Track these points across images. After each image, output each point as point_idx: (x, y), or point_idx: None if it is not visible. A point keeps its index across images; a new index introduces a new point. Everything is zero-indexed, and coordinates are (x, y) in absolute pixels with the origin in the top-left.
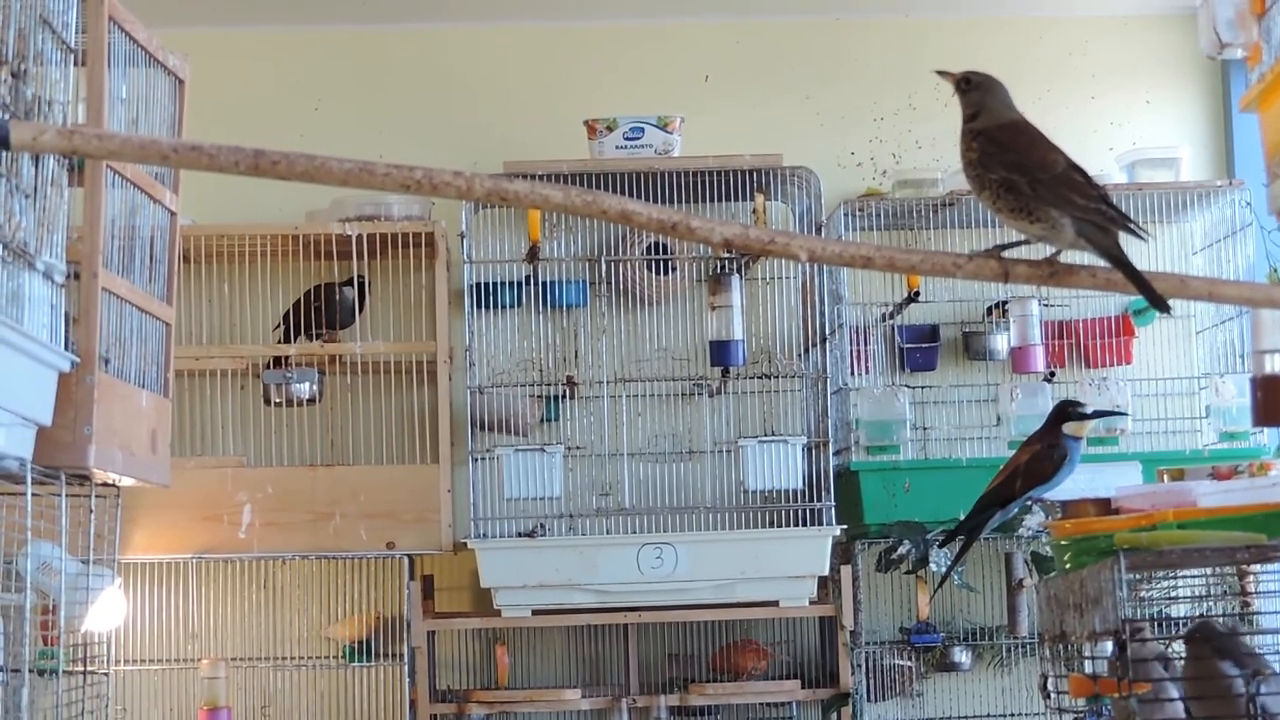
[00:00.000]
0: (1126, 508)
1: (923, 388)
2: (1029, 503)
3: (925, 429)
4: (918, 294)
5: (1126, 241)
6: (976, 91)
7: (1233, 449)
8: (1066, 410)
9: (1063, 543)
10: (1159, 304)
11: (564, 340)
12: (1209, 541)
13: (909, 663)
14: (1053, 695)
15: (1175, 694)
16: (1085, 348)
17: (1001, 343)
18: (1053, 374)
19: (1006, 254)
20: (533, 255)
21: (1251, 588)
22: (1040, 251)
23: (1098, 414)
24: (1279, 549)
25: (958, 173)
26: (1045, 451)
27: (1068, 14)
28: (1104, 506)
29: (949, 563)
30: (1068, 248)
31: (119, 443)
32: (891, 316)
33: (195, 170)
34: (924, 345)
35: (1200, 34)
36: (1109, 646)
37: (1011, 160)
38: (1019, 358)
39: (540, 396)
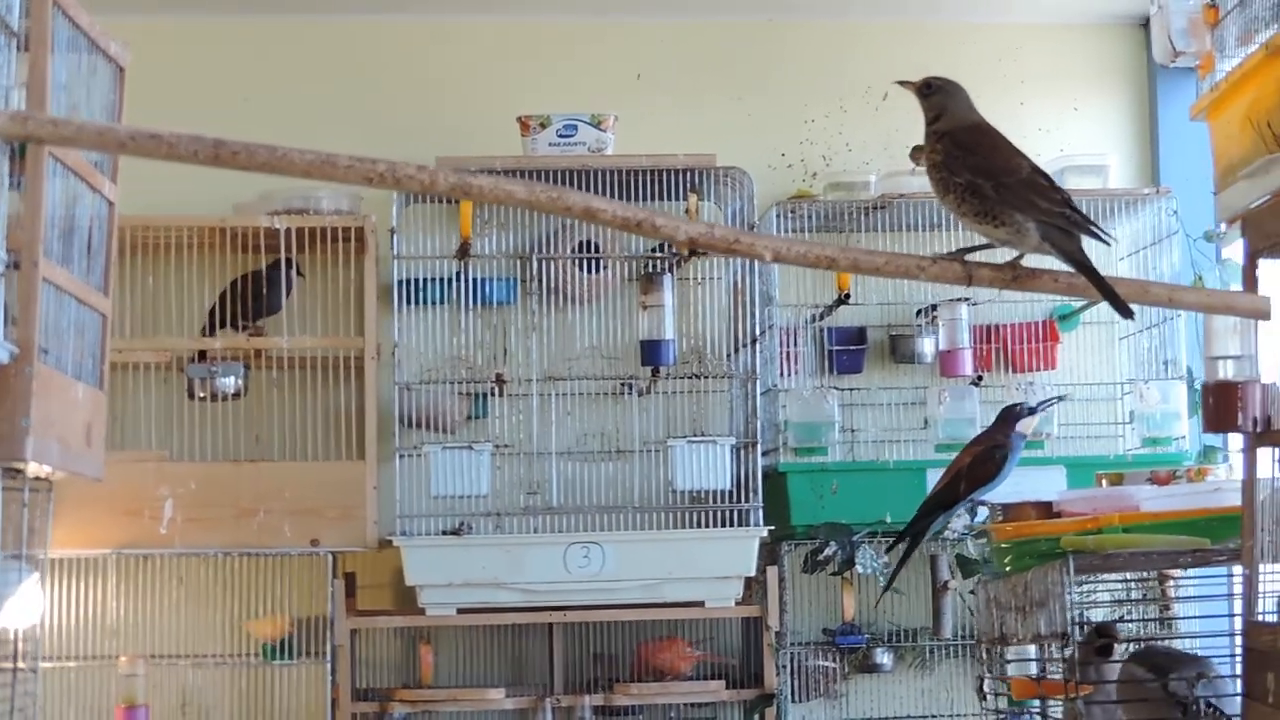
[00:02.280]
0: (1068, 511)
1: (851, 390)
2: (973, 504)
3: (853, 431)
4: (848, 296)
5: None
6: (938, 95)
7: (1156, 454)
8: (1012, 411)
9: (1003, 545)
10: (1122, 309)
11: (494, 338)
12: (1155, 545)
13: (831, 664)
14: (989, 697)
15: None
16: (1011, 352)
17: (928, 346)
18: (980, 378)
19: (970, 257)
20: (464, 252)
21: (1171, 593)
22: (1003, 255)
23: (1042, 404)
24: (1222, 553)
25: (888, 176)
26: (987, 452)
27: (999, 20)
28: (1045, 510)
29: (877, 565)
30: (1031, 251)
31: (56, 435)
32: (821, 318)
33: (153, 159)
34: (851, 348)
35: (1154, 43)
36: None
37: (976, 164)
38: (947, 361)
39: (467, 394)
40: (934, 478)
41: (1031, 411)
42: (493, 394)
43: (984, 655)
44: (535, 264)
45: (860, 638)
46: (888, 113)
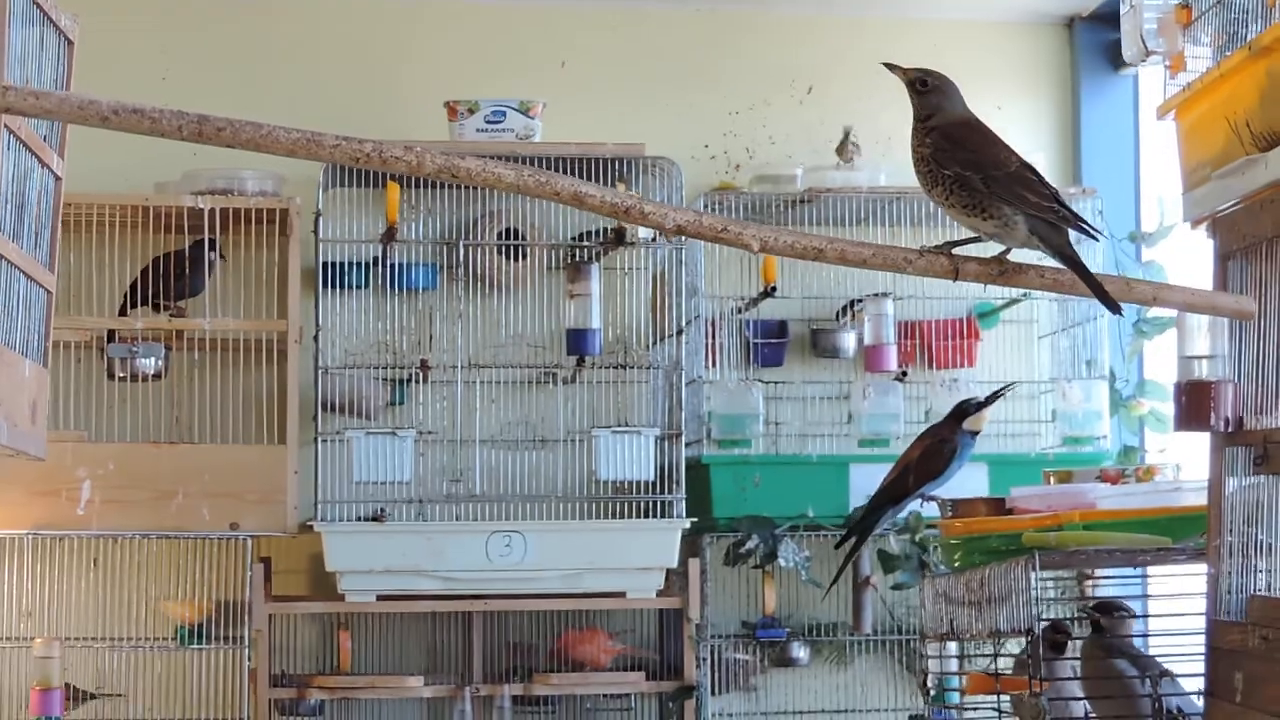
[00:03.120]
0: (1022, 508)
1: (774, 383)
2: (922, 499)
3: (776, 424)
4: (774, 289)
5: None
6: (934, 94)
7: (1077, 453)
8: (963, 407)
9: (953, 541)
10: (1111, 305)
11: (418, 324)
12: (1117, 543)
13: (748, 656)
14: (933, 691)
15: (1079, 693)
16: (931, 348)
17: (850, 341)
18: (905, 373)
19: (958, 251)
20: (389, 236)
21: (1090, 591)
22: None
23: (990, 398)
24: (1183, 552)
25: (813, 170)
26: (936, 446)
27: (925, 16)
28: (995, 506)
29: (799, 558)
30: (1019, 246)
31: (4, 413)
32: (745, 310)
33: (136, 134)
34: (772, 341)
35: (1125, 42)
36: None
37: (965, 157)
38: (872, 356)
39: (389, 380)
40: (857, 472)
41: (980, 406)
42: (416, 380)
43: (931, 650)
44: (461, 250)
45: (780, 631)
46: (812, 106)
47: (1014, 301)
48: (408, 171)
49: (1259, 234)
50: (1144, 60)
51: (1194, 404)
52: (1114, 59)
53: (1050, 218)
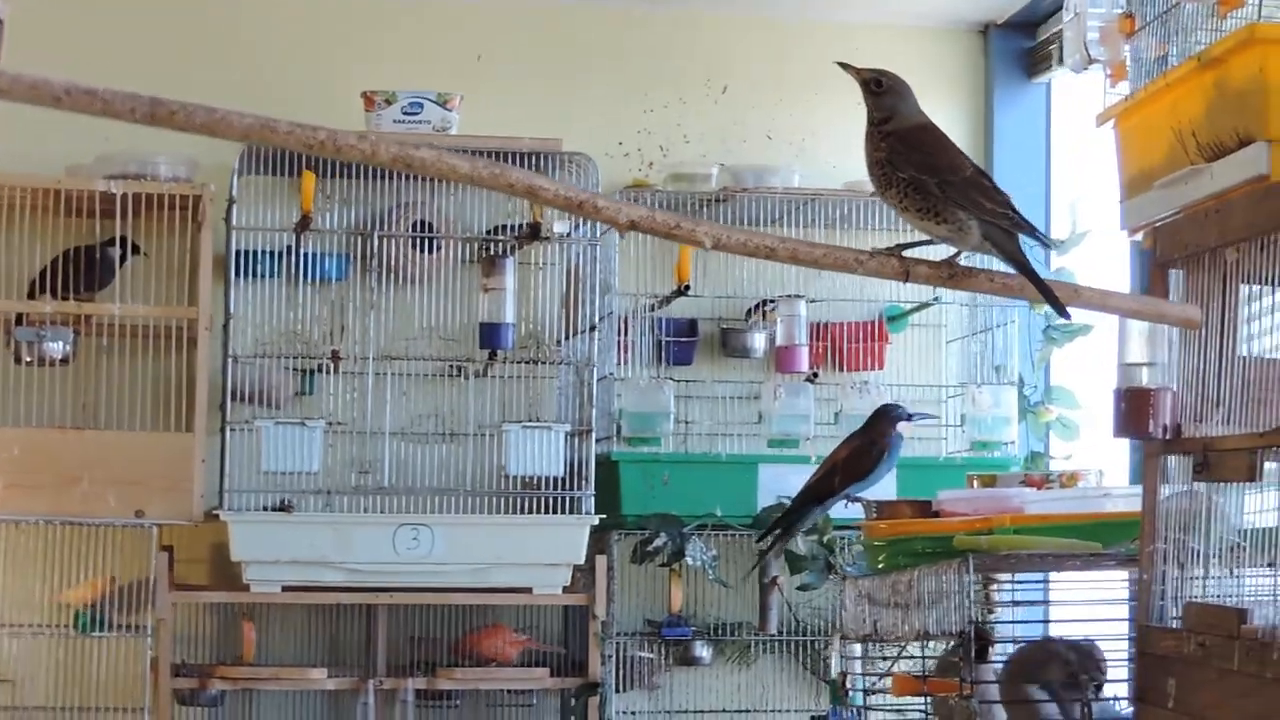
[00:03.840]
0: (949, 511)
1: (685, 381)
2: (848, 500)
3: (687, 423)
4: (688, 287)
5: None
6: (889, 96)
7: (983, 458)
8: (891, 413)
9: (877, 543)
10: (1060, 309)
11: (330, 314)
12: (1049, 547)
13: (651, 655)
14: (851, 692)
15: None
16: (841, 350)
17: (760, 341)
18: (815, 374)
19: (908, 253)
20: (304, 225)
21: (995, 596)
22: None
23: (919, 416)
24: (1113, 558)
25: (728, 169)
26: (865, 447)
27: (839, 18)
28: (920, 508)
29: (707, 557)
30: (971, 250)
31: None
32: (658, 308)
33: (88, 114)
34: (682, 339)
35: (1067, 49)
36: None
37: (920, 161)
38: (783, 357)
39: (299, 370)
40: (766, 472)
41: (908, 418)
42: (327, 371)
43: (852, 651)
44: (374, 241)
45: (686, 630)
46: (726, 106)
47: (923, 305)
48: (361, 160)
49: (1202, 244)
50: (1086, 68)
51: (1133, 411)
52: (1028, 67)
53: (1004, 224)
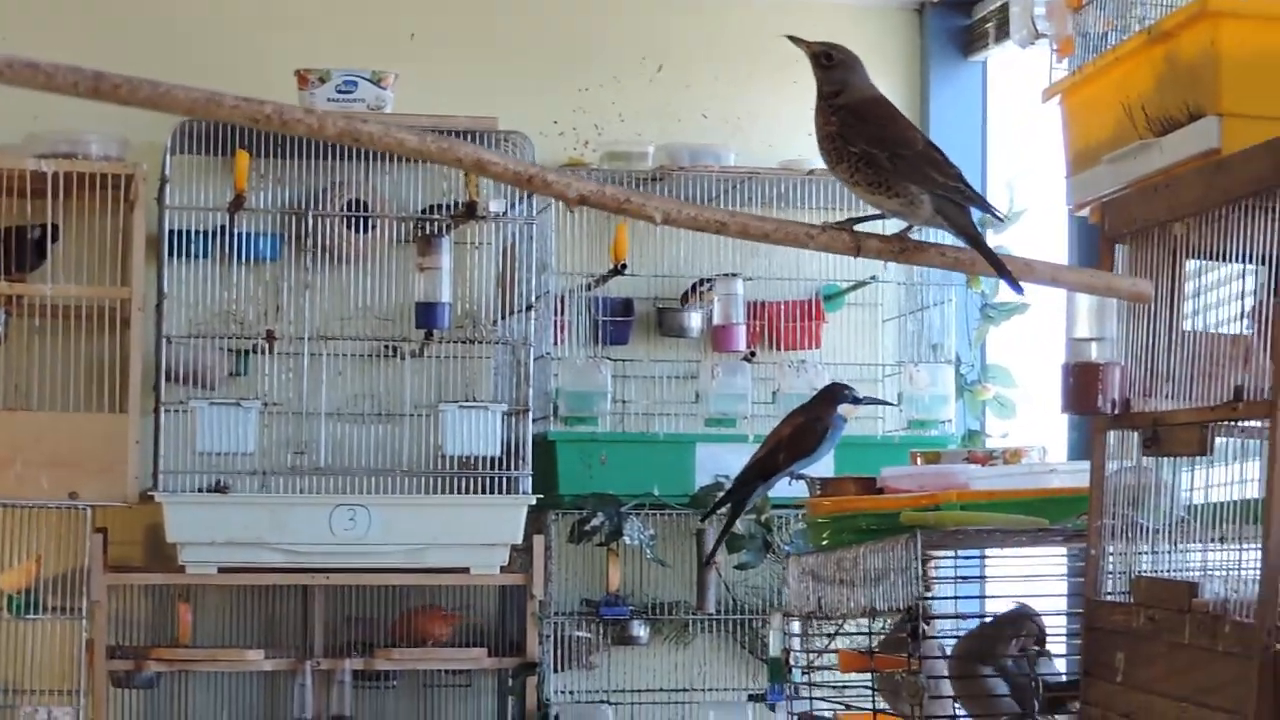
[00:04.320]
0: (893, 488)
1: (622, 361)
2: (791, 477)
3: (623, 403)
4: (624, 266)
5: None
6: (840, 69)
7: (921, 436)
8: (838, 393)
9: (821, 520)
10: (1013, 283)
11: (265, 294)
12: (996, 523)
13: (589, 634)
14: (795, 670)
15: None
16: (778, 330)
17: (696, 320)
18: (753, 354)
19: (859, 227)
20: (237, 205)
21: (933, 572)
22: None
23: (869, 399)
24: (1059, 533)
25: (664, 148)
26: (809, 425)
27: None
28: (865, 485)
29: (644, 536)
30: (922, 224)
31: None
32: (595, 287)
33: (30, 89)
34: (618, 319)
35: (1014, 25)
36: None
37: (872, 134)
38: (720, 336)
39: (233, 350)
40: (703, 452)
41: (856, 401)
42: (262, 351)
43: (795, 628)
44: (308, 221)
45: (623, 609)
46: (662, 84)
47: (860, 284)
48: (308, 134)
49: (1151, 218)
50: (1033, 42)
51: (1081, 386)
52: (964, 45)
53: (956, 197)
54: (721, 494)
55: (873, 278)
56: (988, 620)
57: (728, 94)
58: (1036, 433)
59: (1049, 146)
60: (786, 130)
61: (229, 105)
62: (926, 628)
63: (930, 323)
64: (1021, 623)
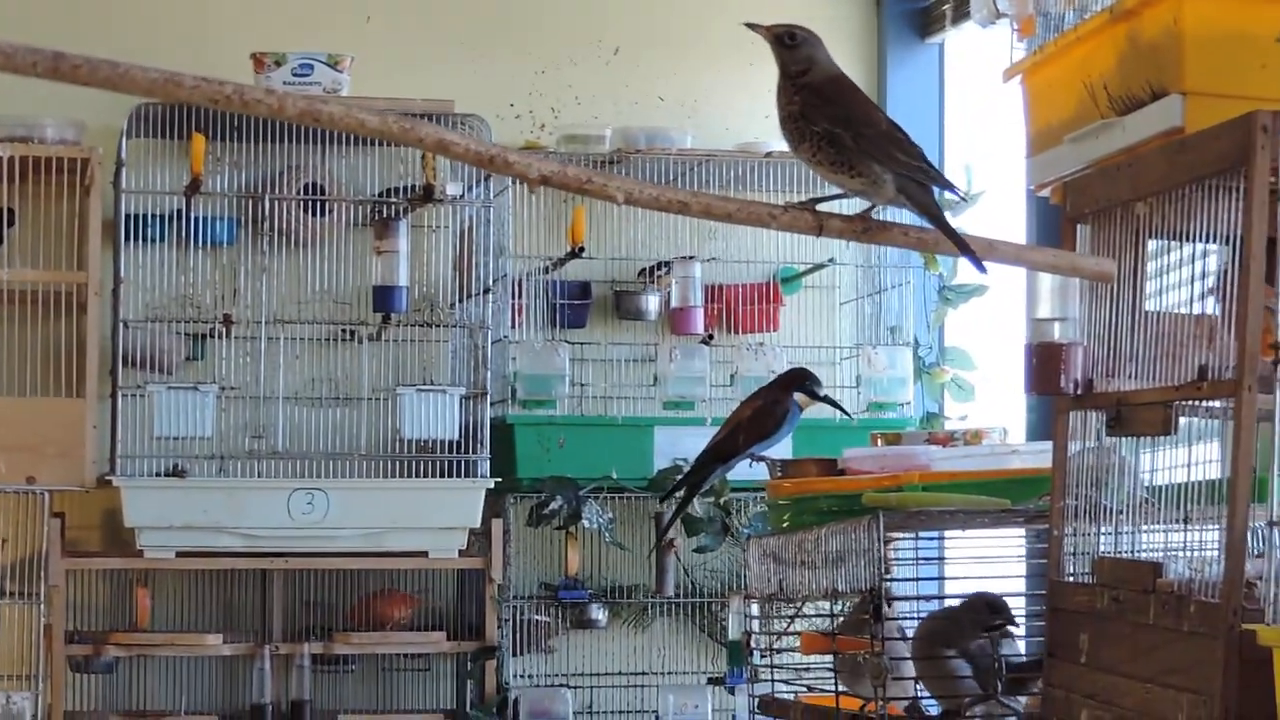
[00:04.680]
0: (855, 469)
1: (580, 344)
2: (752, 459)
3: (581, 386)
4: (581, 249)
5: None
6: (804, 48)
7: (879, 419)
8: (801, 379)
9: (782, 501)
10: (976, 263)
11: (222, 278)
12: (958, 504)
13: (547, 618)
14: (756, 653)
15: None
16: (736, 313)
17: (653, 303)
18: (710, 336)
19: (821, 207)
20: (194, 188)
21: (892, 554)
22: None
23: (828, 399)
24: (1021, 514)
25: (620, 130)
26: (768, 407)
27: None
28: (826, 466)
29: (603, 520)
30: (885, 204)
31: None
32: (552, 270)
33: None
34: (575, 302)
35: (974, 4)
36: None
37: (835, 113)
38: (678, 319)
39: (190, 334)
40: (662, 435)
41: (813, 396)
42: (219, 335)
43: (754, 610)
44: (265, 205)
45: (582, 593)
46: (618, 67)
47: (818, 267)
48: (268, 114)
49: (1114, 198)
50: (994, 22)
51: (1044, 366)
52: (920, 27)
53: (919, 177)
54: (680, 477)
55: (830, 260)
56: (951, 605)
57: (684, 76)
58: (994, 415)
59: (1007, 128)
60: (743, 113)
61: (189, 86)
62: (888, 609)
63: (888, 305)
64: (983, 610)
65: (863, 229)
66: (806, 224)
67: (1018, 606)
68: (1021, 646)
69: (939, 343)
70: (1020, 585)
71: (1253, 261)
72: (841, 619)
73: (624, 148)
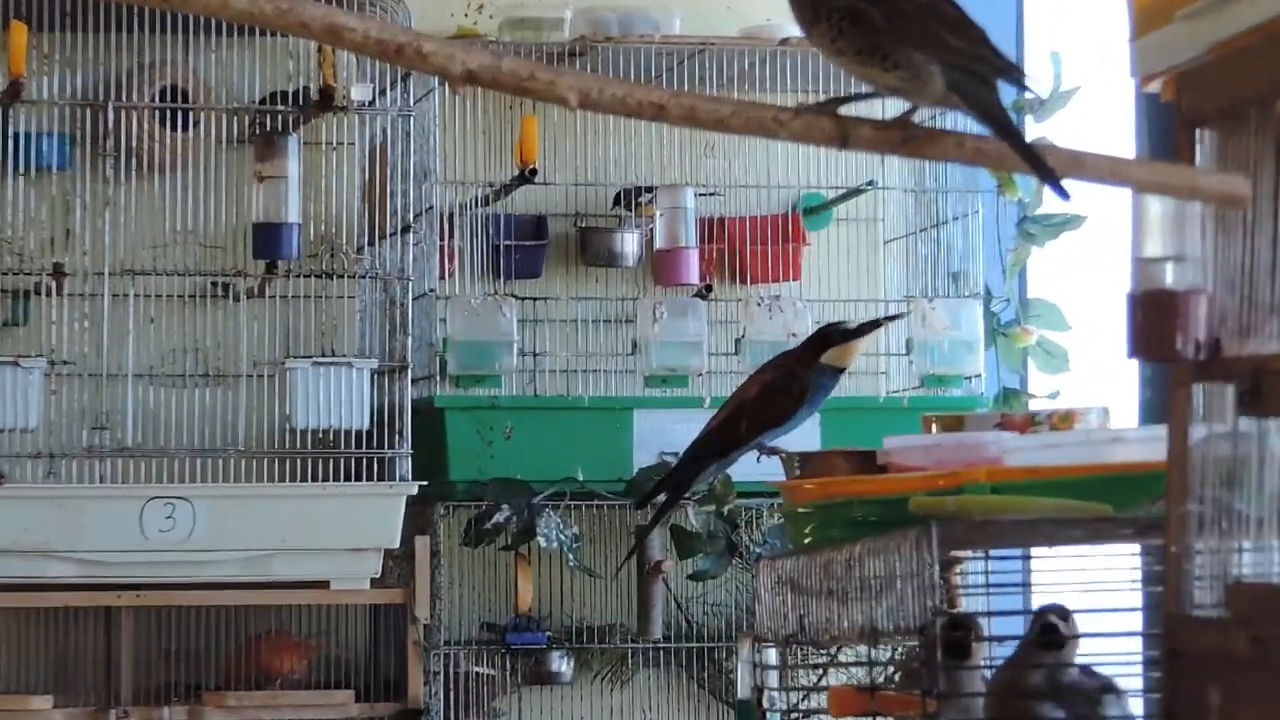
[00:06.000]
0: (900, 464)
1: (532, 300)
2: (760, 452)
3: (535, 356)
4: (534, 172)
5: None
6: None
7: (939, 396)
8: (830, 334)
9: (803, 510)
10: (1055, 184)
11: (51, 214)
12: (1041, 511)
13: (493, 671)
14: (771, 714)
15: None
16: (742, 256)
17: (632, 244)
18: (708, 288)
19: (844, 110)
20: (13, 94)
21: (958, 581)
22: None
23: (863, 328)
24: (1130, 524)
25: (585, 12)
26: (780, 382)
27: None
28: (862, 461)
29: (565, 537)
30: (930, 105)
31: None
32: (495, 201)
33: None
34: (527, 243)
35: None
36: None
37: None
38: (665, 265)
39: (7, 291)
40: (644, 421)
41: (847, 335)
42: (47, 292)
43: (769, 659)
44: (108, 115)
45: (539, 636)
46: None
47: (854, 193)
48: None
49: (1243, 94)
50: None
51: (1153, 322)
52: None
53: (978, 68)
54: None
55: (870, 183)
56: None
57: None
58: (1095, 391)
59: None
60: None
61: None
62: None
63: (950, 244)
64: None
65: (901, 139)
66: (825, 132)
67: (1133, 651)
68: (1137, 708)
69: (1020, 294)
70: (1135, 621)
71: None
72: (885, 669)
73: (589, 35)
